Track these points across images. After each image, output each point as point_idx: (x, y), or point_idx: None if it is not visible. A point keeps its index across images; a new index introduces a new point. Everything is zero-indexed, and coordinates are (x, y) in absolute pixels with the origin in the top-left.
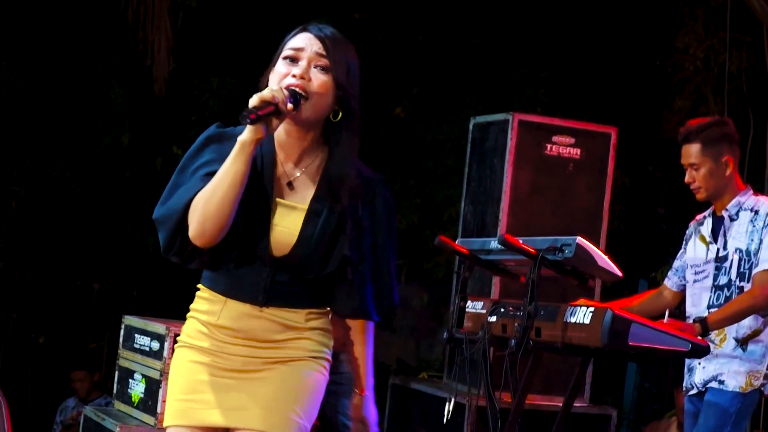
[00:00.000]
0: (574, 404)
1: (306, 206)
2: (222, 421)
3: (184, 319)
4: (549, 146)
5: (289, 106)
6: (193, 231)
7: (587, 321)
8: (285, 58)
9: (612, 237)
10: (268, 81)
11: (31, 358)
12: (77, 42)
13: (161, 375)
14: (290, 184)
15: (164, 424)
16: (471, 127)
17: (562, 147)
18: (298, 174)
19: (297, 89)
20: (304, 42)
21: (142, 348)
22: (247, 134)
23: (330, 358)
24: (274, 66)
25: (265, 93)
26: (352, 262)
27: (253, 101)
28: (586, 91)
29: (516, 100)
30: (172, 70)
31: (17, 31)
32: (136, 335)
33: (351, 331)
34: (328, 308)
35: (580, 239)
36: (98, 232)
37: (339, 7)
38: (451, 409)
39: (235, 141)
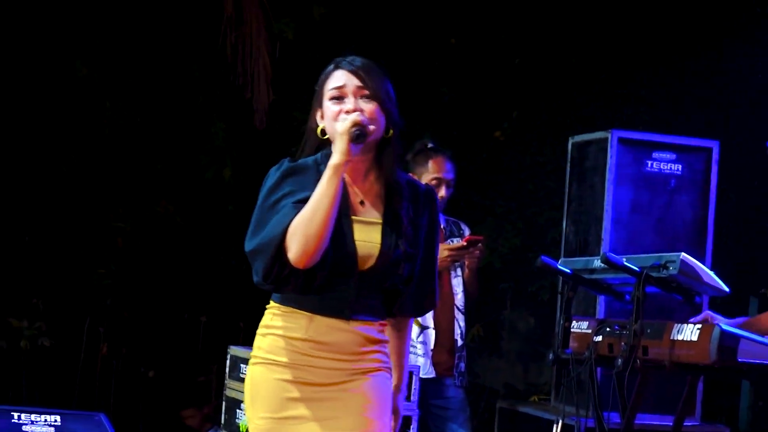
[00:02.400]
0: (686, 423)
1: (380, 220)
2: None
3: None
4: (650, 163)
5: (372, 127)
6: (295, 254)
7: (695, 338)
8: (331, 99)
9: (719, 254)
10: (316, 122)
11: (141, 392)
12: (178, 78)
13: None
14: (362, 203)
15: None
16: (570, 146)
17: (663, 163)
18: (366, 192)
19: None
20: (342, 80)
21: None
22: (340, 157)
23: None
24: (320, 107)
25: (354, 118)
26: (408, 256)
27: (346, 126)
28: (687, 108)
29: (616, 120)
30: (272, 102)
31: (119, 70)
32: (241, 365)
33: (392, 327)
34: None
35: (684, 255)
36: (204, 266)
37: (435, 33)
38: (559, 431)
39: (310, 171)
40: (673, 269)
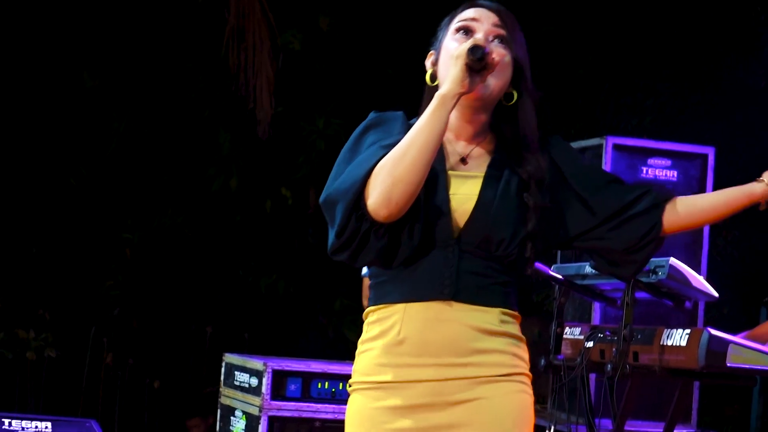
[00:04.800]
0: (680, 430)
1: (482, 173)
2: None
3: (290, 355)
4: (645, 169)
5: (496, 58)
6: (376, 199)
7: (684, 343)
8: (458, 30)
9: (725, 263)
10: (433, 63)
11: (147, 403)
12: (184, 89)
13: (260, 411)
14: (463, 160)
15: None
16: None
17: (658, 169)
18: (470, 152)
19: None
20: (477, 14)
21: (241, 385)
22: (450, 86)
23: (529, 373)
24: (436, 49)
25: (474, 40)
26: (538, 208)
27: (464, 47)
28: (688, 117)
29: (621, 129)
30: (278, 113)
31: (126, 82)
32: (236, 372)
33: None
34: (519, 314)
35: (673, 260)
36: (210, 276)
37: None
38: None
39: (399, 121)
40: (662, 274)
